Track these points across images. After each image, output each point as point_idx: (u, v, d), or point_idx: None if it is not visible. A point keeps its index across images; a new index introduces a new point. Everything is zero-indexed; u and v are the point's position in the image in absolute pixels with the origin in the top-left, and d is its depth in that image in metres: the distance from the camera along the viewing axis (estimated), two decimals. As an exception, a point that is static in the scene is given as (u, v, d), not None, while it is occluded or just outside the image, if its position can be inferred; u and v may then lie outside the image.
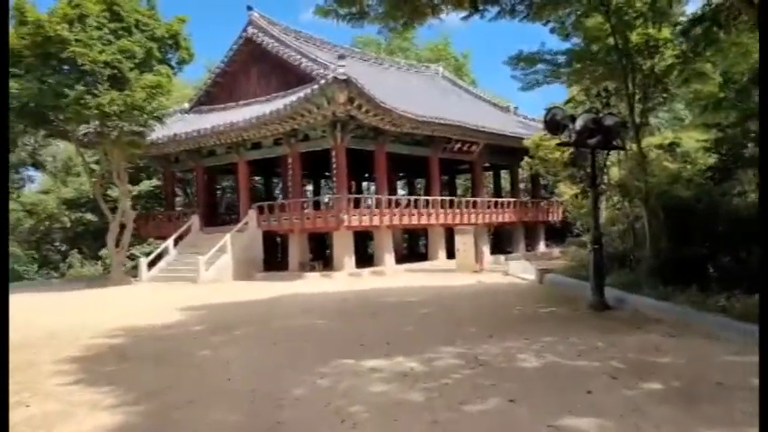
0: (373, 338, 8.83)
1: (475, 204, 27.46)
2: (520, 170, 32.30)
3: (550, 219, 32.47)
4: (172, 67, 22.23)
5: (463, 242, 21.08)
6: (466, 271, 20.63)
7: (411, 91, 27.71)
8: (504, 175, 35.76)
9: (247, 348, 8.64)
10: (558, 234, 34.16)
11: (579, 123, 10.87)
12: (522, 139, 27.56)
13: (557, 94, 38.27)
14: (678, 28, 12.34)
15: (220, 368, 7.35)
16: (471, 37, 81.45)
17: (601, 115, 11.62)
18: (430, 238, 26.02)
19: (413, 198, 24.89)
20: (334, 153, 22.07)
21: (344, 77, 18.80)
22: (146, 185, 32.61)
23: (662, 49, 12.78)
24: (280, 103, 22.05)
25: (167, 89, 21.20)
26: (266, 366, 7.33)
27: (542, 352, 7.41)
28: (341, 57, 19.37)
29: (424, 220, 24.64)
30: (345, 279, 20.30)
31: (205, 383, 6.62)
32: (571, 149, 17.61)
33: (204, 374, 7.09)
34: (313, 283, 19.43)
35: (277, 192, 34.81)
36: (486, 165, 31.64)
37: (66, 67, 19.55)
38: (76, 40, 19.27)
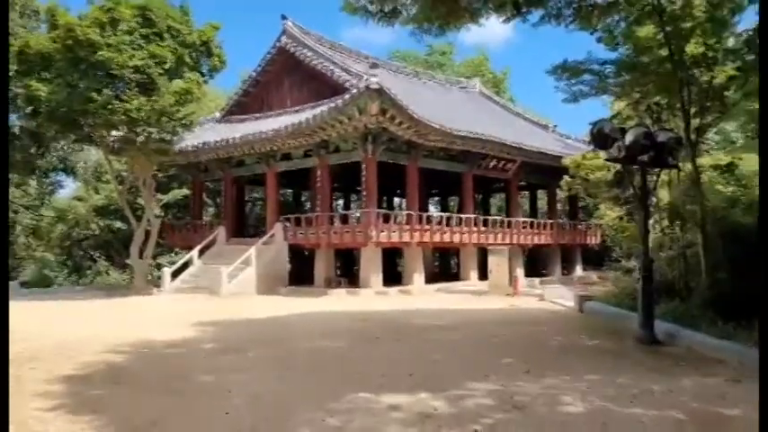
0: (395, 368, 7.94)
1: (510, 224, 26.36)
2: (557, 190, 31.23)
3: (588, 242, 31.15)
4: (203, 75, 21.83)
5: (497, 263, 20.05)
6: (499, 294, 19.59)
7: (447, 105, 26.88)
8: (541, 195, 34.60)
9: (256, 374, 7.83)
10: (595, 258, 32.83)
11: (630, 138, 9.88)
12: (561, 157, 26.50)
13: (598, 112, 37.08)
14: (742, 38, 11.28)
15: (222, 397, 6.53)
16: (509, 55, 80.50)
17: (653, 130, 10.63)
18: (462, 258, 25.02)
19: (445, 215, 23.92)
20: (364, 166, 21.33)
21: (377, 87, 18.08)
22: (175, 194, 32.38)
23: (722, 60, 11.71)
24: (310, 113, 21.46)
25: (197, 96, 20.75)
26: (272, 398, 6.50)
27: (588, 394, 6.43)
28: (374, 66, 18.65)
29: (456, 239, 23.68)
30: (371, 297, 19.44)
31: (199, 417, 5.82)
32: (616, 168, 16.60)
33: (201, 405, 6.28)
34: (338, 301, 18.61)
35: (307, 205, 34.31)
36: (523, 184, 30.57)
37: (95, 72, 19.20)
38: (107, 45, 18.98)
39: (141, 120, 19.23)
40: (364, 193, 21.46)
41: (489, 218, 26.36)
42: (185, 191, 33.07)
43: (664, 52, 11.98)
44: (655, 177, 12.29)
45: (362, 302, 17.98)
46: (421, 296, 19.96)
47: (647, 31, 12.40)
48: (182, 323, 13.13)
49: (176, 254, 31.94)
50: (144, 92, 19.49)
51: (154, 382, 7.36)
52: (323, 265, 22.31)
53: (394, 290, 20.57)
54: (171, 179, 32.49)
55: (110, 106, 18.86)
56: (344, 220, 23.00)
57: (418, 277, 22.49)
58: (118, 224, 33.28)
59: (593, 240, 31.32)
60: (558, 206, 33.39)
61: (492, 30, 37.03)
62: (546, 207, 33.48)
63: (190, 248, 26.57)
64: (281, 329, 12.25)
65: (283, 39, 25.22)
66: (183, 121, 20.31)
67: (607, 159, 10.82)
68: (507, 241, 25.55)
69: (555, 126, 31.92)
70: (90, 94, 18.85)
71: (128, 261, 32.66)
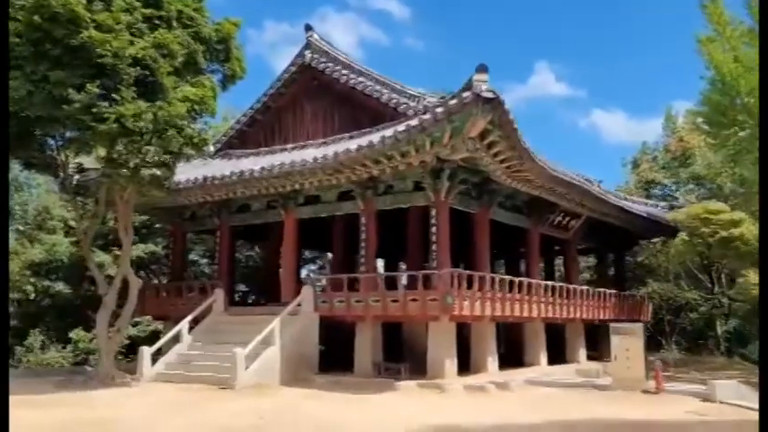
0: None
1: (582, 294, 21.33)
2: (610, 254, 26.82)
3: (642, 318, 26.41)
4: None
5: (625, 347, 14.69)
6: (629, 389, 14.20)
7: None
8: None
9: None
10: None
11: None
12: (633, 215, 22.16)
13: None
14: None
15: None
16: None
17: None
18: (527, 336, 19.51)
19: (526, 281, 18.44)
20: (434, 212, 15.90)
21: (491, 95, 12.89)
22: (139, 250, 25.72)
23: None
24: (355, 142, 16.13)
25: (212, 108, 15.07)
26: None
27: None
28: (482, 68, 13.41)
29: (533, 312, 18.30)
30: (463, 395, 13.57)
31: None
32: None
33: None
34: (422, 401, 12.74)
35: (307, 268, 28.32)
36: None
37: (76, 61, 13.20)
38: (95, 25, 13.19)
39: (139, 132, 13.25)
40: (433, 248, 15.90)
41: (573, 287, 21.12)
42: (151, 246, 26.62)
43: None
44: None
45: (467, 406, 12.18)
46: (523, 394, 14.26)
47: None
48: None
49: (135, 324, 25.17)
50: (143, 94, 13.65)
51: None
52: (368, 345, 16.37)
53: (482, 381, 14.81)
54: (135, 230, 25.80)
55: (94, 110, 12.88)
56: (392, 284, 17.31)
57: (492, 362, 16.91)
58: (59, 286, 26.21)
59: (646, 316, 26.64)
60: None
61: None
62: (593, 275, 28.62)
63: (165, 318, 20.58)
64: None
65: (308, 54, 19.92)
66: (195, 140, 14.41)
67: None
68: (574, 315, 20.52)
69: (600, 181, 27.46)
70: (65, 92, 12.86)
71: (72, 335, 25.64)
